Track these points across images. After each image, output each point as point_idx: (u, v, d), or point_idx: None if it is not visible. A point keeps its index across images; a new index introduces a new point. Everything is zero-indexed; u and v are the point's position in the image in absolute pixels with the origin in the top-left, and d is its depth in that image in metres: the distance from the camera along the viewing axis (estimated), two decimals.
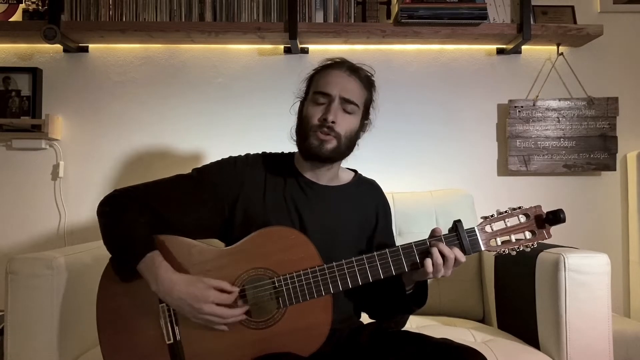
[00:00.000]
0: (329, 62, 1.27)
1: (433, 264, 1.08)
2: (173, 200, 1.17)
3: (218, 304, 1.05)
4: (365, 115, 1.27)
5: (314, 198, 1.24)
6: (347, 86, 1.21)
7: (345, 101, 1.20)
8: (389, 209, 1.37)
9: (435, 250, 1.08)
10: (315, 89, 1.23)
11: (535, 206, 1.14)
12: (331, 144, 1.19)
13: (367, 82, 1.26)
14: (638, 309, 2.07)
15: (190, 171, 1.25)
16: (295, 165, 1.28)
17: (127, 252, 1.09)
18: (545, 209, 1.14)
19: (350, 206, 1.28)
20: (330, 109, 1.18)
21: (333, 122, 1.18)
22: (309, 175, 1.26)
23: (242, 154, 1.29)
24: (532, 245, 1.13)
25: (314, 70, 1.29)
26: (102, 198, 1.18)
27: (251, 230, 1.13)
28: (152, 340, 1.09)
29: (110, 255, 1.14)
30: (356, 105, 1.22)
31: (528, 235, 1.13)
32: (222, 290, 1.06)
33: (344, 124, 1.20)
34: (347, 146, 1.22)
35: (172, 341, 1.08)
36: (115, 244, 1.12)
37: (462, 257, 1.09)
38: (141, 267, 1.07)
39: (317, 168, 1.25)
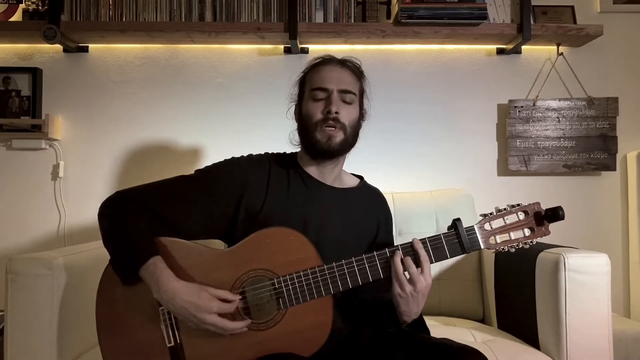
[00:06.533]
0: (316, 60, 1.30)
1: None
2: (176, 201, 1.17)
3: (221, 315, 1.04)
4: (362, 104, 1.30)
5: (318, 198, 1.25)
6: (342, 78, 1.24)
7: (343, 92, 1.23)
8: (391, 221, 1.38)
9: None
10: (311, 87, 1.25)
11: (533, 203, 1.14)
12: (339, 137, 1.21)
13: (358, 72, 1.30)
14: (638, 309, 2.07)
15: (194, 172, 1.25)
16: (299, 164, 1.29)
17: (129, 257, 1.08)
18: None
19: (352, 210, 1.28)
20: (332, 101, 1.21)
21: (337, 112, 1.20)
22: (314, 174, 1.27)
23: (245, 154, 1.29)
24: (531, 242, 1.13)
25: (302, 72, 1.32)
26: (102, 199, 1.17)
27: (254, 230, 1.13)
28: (152, 344, 1.09)
29: (109, 257, 1.13)
30: (354, 94, 1.25)
31: (527, 232, 1.13)
32: (225, 300, 1.06)
33: (346, 114, 1.23)
34: (352, 136, 1.25)
35: (172, 344, 1.08)
36: (117, 248, 1.11)
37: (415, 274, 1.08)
38: (143, 273, 1.07)
39: (324, 166, 1.26)
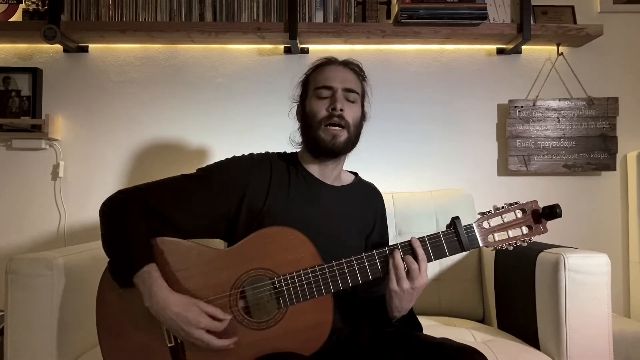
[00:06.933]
0: (320, 61, 1.31)
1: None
2: (178, 201, 1.17)
3: (209, 331, 1.04)
4: (363, 105, 1.31)
5: (318, 197, 1.25)
6: (346, 77, 1.26)
7: (347, 91, 1.24)
8: (386, 214, 1.40)
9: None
10: (315, 86, 1.26)
11: (531, 201, 1.14)
12: (343, 137, 1.22)
13: (360, 73, 1.32)
14: (638, 309, 2.07)
15: (195, 171, 1.25)
16: (301, 163, 1.29)
17: (124, 263, 1.08)
18: None
19: (351, 207, 1.29)
20: (337, 98, 1.22)
21: (342, 109, 1.21)
22: (315, 173, 1.28)
23: (247, 154, 1.30)
24: (529, 240, 1.13)
25: (305, 73, 1.33)
26: (103, 199, 1.17)
27: (255, 229, 1.13)
28: (152, 343, 1.09)
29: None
30: (357, 93, 1.27)
31: (525, 230, 1.13)
32: (215, 318, 1.05)
33: (350, 112, 1.24)
34: (355, 135, 1.26)
35: (173, 344, 1.08)
36: (113, 252, 1.11)
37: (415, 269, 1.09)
38: (136, 280, 1.06)
39: (325, 165, 1.27)
